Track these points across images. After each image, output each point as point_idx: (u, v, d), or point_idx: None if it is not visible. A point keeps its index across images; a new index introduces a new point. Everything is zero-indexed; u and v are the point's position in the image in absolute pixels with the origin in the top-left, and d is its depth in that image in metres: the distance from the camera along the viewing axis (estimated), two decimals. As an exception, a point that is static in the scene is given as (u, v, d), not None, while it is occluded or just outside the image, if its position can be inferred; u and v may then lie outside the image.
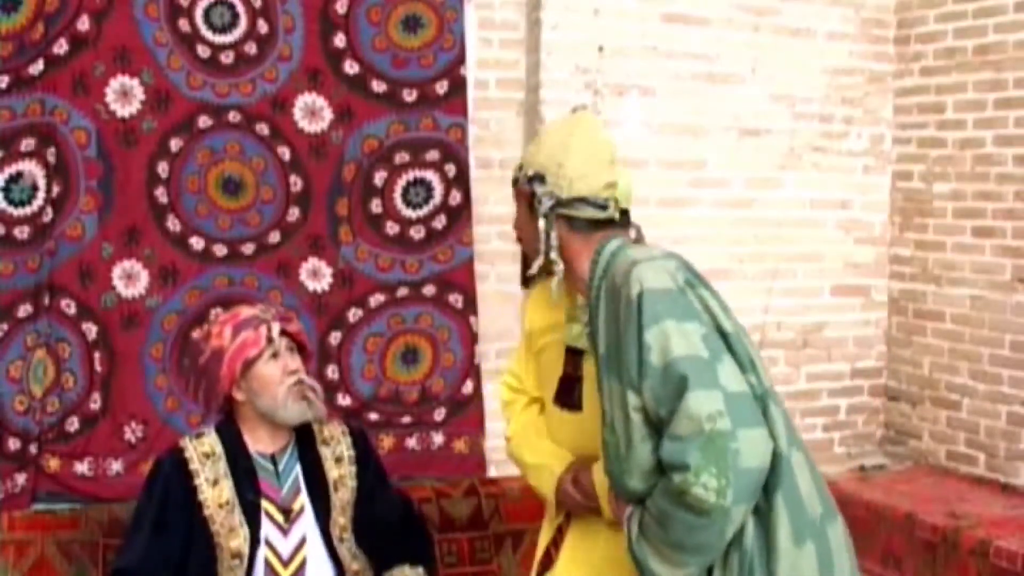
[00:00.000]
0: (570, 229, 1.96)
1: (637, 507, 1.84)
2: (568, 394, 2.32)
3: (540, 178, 1.96)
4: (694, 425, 1.67)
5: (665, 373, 1.72)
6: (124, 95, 3.30)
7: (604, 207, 1.98)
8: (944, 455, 4.17)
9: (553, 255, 1.96)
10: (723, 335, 1.79)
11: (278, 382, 2.44)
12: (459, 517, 3.28)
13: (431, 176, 3.64)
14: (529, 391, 2.49)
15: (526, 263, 2.06)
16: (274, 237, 3.49)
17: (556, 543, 2.41)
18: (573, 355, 2.32)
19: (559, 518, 2.40)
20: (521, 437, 2.46)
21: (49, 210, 3.21)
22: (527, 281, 2.10)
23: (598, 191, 1.97)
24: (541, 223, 1.95)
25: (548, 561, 2.42)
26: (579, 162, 1.96)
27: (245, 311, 2.52)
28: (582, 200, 1.95)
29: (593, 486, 2.28)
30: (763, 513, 1.75)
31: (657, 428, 1.75)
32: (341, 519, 2.50)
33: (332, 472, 2.53)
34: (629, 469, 1.82)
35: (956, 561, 3.41)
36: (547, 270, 1.99)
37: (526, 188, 1.99)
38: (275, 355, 2.46)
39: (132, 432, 3.29)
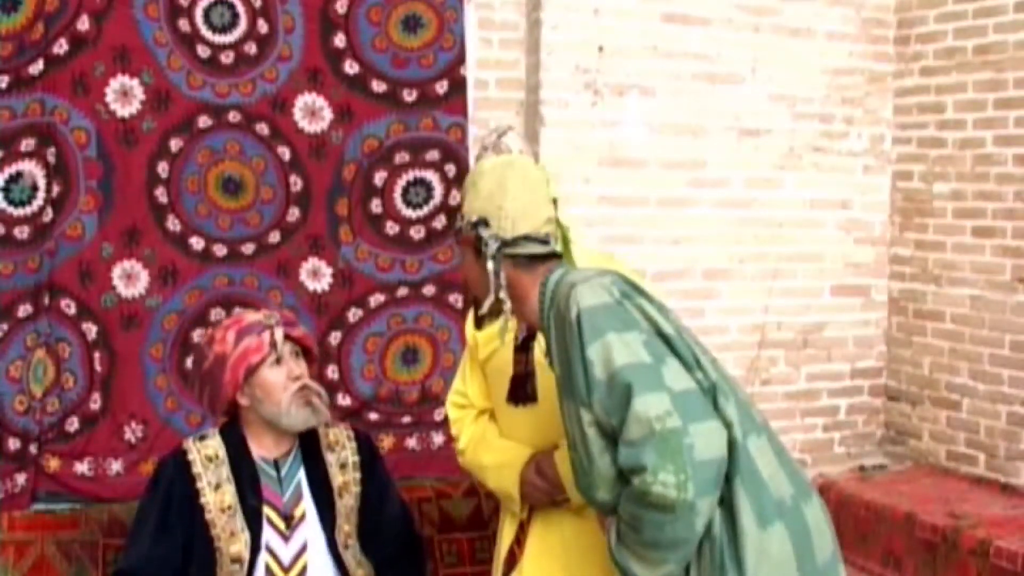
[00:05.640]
0: (515, 267, 2.02)
1: (614, 516, 1.90)
2: (522, 389, 2.39)
3: (483, 222, 2.01)
4: (644, 427, 1.72)
5: (610, 384, 1.77)
6: (124, 95, 3.30)
7: (546, 242, 2.04)
8: (944, 455, 4.17)
9: (502, 294, 2.02)
10: (665, 339, 1.85)
11: (282, 388, 2.42)
12: (459, 517, 3.29)
13: (431, 176, 3.64)
14: (476, 405, 2.54)
15: (477, 305, 2.13)
16: (274, 237, 3.49)
17: (519, 541, 2.44)
18: (521, 352, 2.38)
19: (522, 514, 2.43)
20: (475, 444, 2.50)
21: (49, 210, 3.21)
22: (480, 322, 2.17)
23: (539, 227, 2.03)
24: (490, 265, 2.00)
25: (513, 559, 2.45)
26: (518, 201, 2.02)
27: (249, 316, 2.50)
28: (525, 238, 2.01)
29: (557, 473, 2.33)
30: (727, 501, 1.80)
31: (613, 439, 1.81)
32: (346, 526, 2.49)
33: (337, 478, 2.52)
34: (595, 482, 1.88)
35: (956, 561, 3.41)
36: (496, 309, 2.05)
37: (470, 234, 2.04)
38: (279, 361, 2.44)
39: (132, 432, 3.29)
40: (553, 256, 2.06)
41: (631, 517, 1.80)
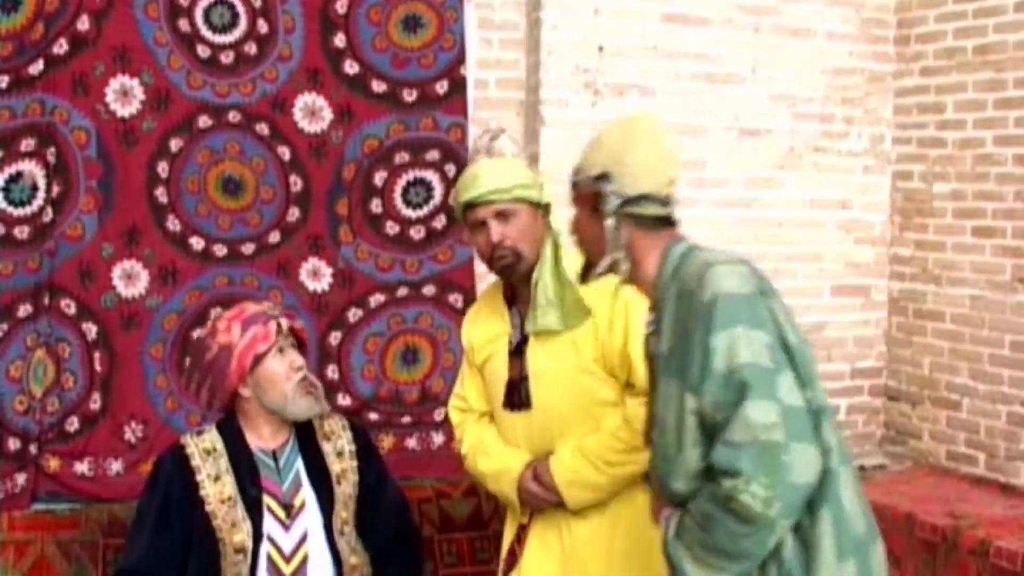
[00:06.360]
0: (636, 227, 1.93)
1: (676, 510, 1.84)
2: (516, 394, 2.39)
3: (605, 177, 1.92)
4: (749, 433, 1.66)
5: (728, 378, 1.71)
6: (124, 95, 3.30)
7: (667, 203, 1.96)
8: (944, 455, 4.17)
9: (620, 254, 1.94)
10: (787, 348, 1.78)
11: (285, 378, 2.46)
12: (459, 517, 3.29)
13: (431, 176, 3.64)
14: (476, 409, 2.54)
15: (588, 264, 2.05)
16: (274, 237, 3.49)
17: (520, 540, 2.45)
18: (516, 357, 2.39)
19: (523, 518, 2.44)
20: (476, 449, 2.51)
21: (49, 210, 3.21)
22: (585, 278, 2.08)
23: (662, 187, 1.94)
24: (609, 222, 1.92)
25: (512, 559, 2.46)
26: (642, 158, 1.93)
27: (250, 307, 2.54)
28: (646, 197, 1.92)
29: (553, 479, 2.33)
30: (805, 527, 1.75)
31: (710, 433, 1.74)
32: (344, 512, 2.51)
33: (335, 466, 2.55)
34: (676, 471, 1.82)
35: (956, 561, 3.41)
36: (613, 269, 1.98)
37: (590, 188, 1.95)
38: (281, 351, 2.48)
39: (132, 432, 3.28)
40: (672, 222, 1.98)
41: (703, 517, 1.75)
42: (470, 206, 2.41)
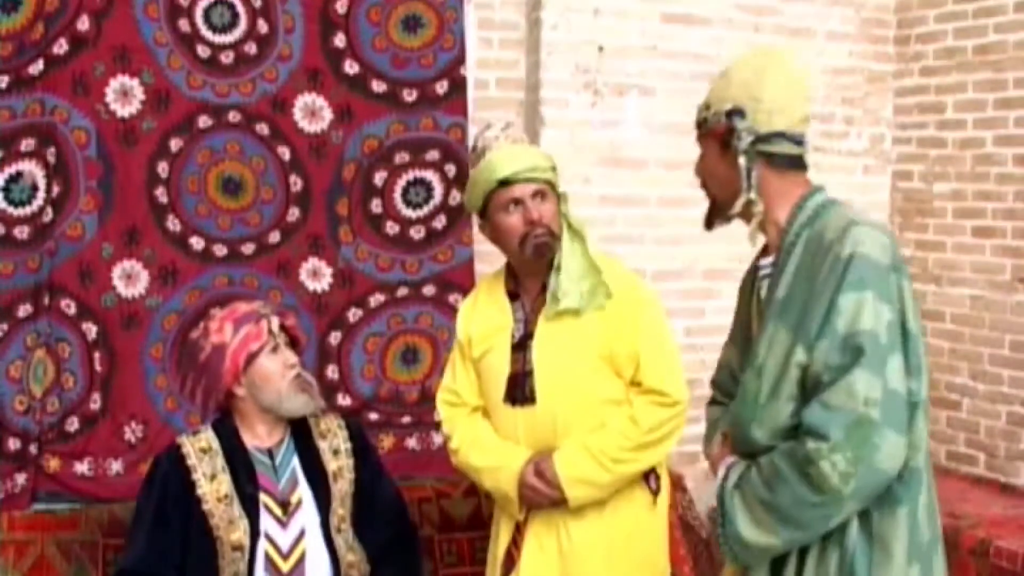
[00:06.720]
0: (768, 167, 1.85)
1: (743, 460, 1.80)
2: (519, 389, 2.37)
3: (738, 112, 1.84)
4: (850, 401, 1.62)
5: (845, 341, 1.65)
6: (124, 95, 3.30)
7: (800, 142, 1.87)
8: (944, 455, 4.17)
9: (754, 195, 1.85)
10: (905, 332, 1.71)
11: (280, 376, 2.47)
12: (459, 517, 3.28)
13: (431, 176, 3.64)
14: (468, 403, 2.52)
15: (714, 207, 1.98)
16: (274, 237, 3.49)
17: (516, 542, 2.44)
18: (519, 351, 2.37)
19: (520, 515, 2.42)
20: (469, 444, 2.49)
21: (49, 210, 3.21)
22: (710, 223, 2.01)
23: (795, 125, 1.85)
24: (742, 160, 1.83)
25: (510, 562, 2.44)
26: (776, 94, 1.84)
27: (242, 307, 2.55)
28: (780, 135, 1.83)
29: (557, 475, 2.32)
30: (876, 521, 1.71)
31: (809, 392, 1.69)
32: (340, 510, 2.52)
33: (331, 464, 2.55)
34: (760, 419, 1.76)
35: (956, 561, 3.41)
36: (746, 211, 1.90)
37: (721, 124, 1.87)
38: (275, 349, 2.49)
39: (132, 432, 3.28)
40: (803, 164, 1.89)
41: (774, 474, 1.70)
42: (505, 184, 2.36)
